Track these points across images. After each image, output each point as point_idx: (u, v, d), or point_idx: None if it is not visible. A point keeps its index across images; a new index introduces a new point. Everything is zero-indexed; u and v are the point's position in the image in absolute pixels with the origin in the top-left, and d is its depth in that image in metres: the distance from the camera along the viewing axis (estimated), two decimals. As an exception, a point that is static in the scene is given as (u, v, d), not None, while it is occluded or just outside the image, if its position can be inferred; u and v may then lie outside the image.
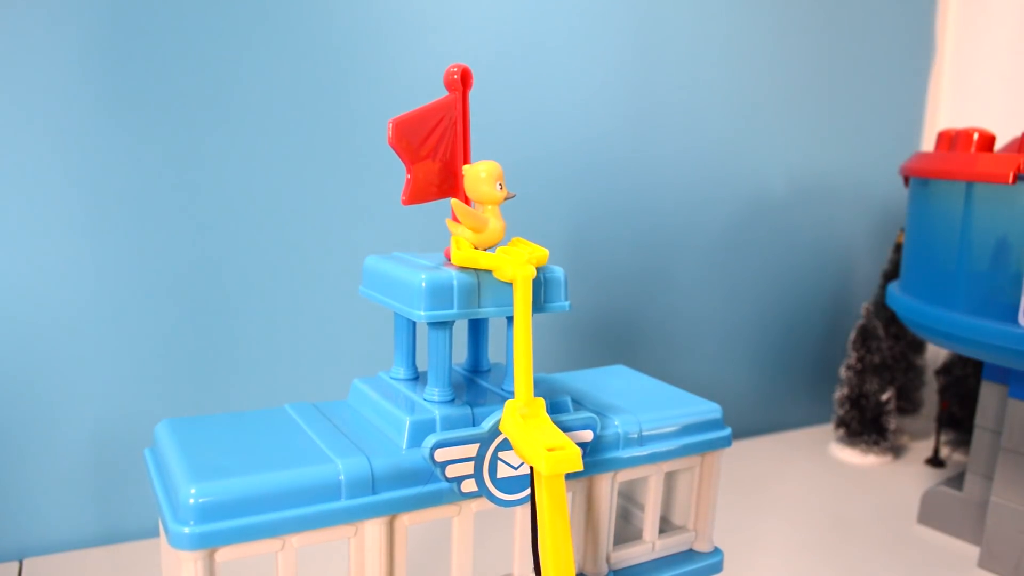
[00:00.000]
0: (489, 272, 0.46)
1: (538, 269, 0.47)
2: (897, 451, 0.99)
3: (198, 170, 0.71)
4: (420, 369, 0.52)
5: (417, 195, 0.46)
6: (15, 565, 0.66)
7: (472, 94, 0.47)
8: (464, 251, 0.45)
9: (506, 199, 0.46)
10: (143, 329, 0.71)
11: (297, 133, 0.74)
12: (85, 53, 0.65)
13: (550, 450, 0.41)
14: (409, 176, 0.45)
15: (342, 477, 0.41)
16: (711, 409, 0.54)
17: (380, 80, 0.76)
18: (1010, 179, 0.64)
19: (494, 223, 0.46)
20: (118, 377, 0.71)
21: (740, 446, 0.99)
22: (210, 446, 0.43)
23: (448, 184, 0.48)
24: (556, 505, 0.42)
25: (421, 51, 0.78)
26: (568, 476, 0.47)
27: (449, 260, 0.48)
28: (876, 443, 0.95)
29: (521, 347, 0.43)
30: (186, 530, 0.37)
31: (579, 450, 0.42)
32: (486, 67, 0.81)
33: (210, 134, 0.71)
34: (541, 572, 0.43)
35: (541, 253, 0.47)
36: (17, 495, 0.69)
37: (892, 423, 0.95)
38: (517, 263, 0.44)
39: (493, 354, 0.57)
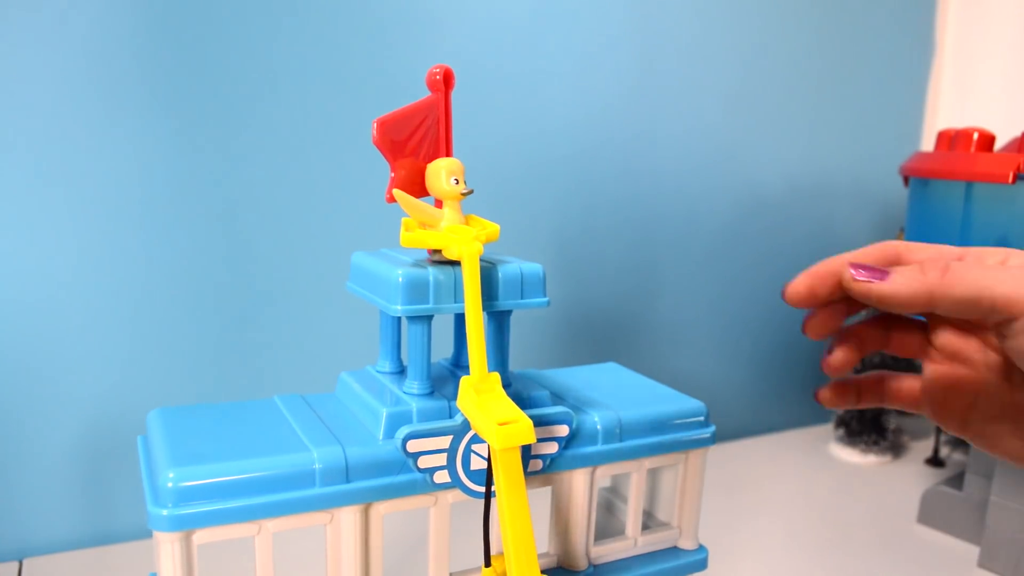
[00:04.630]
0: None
1: (516, 265, 0.47)
2: (897, 451, 0.99)
3: (198, 167, 0.71)
4: (405, 363, 0.52)
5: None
6: (15, 565, 0.66)
7: (464, 87, 0.48)
8: (413, 233, 0.45)
9: (464, 195, 0.46)
10: (142, 327, 0.71)
11: (298, 130, 0.74)
12: (93, 52, 0.65)
13: (501, 424, 0.41)
14: (392, 175, 0.46)
15: (317, 465, 0.42)
16: (695, 407, 0.54)
17: (378, 77, 0.76)
18: (1010, 179, 0.64)
19: (451, 217, 0.46)
20: (119, 376, 0.71)
21: (740, 445, 0.99)
22: (194, 433, 0.45)
23: None
24: (512, 479, 0.42)
25: (422, 43, 0.78)
26: (546, 470, 0.47)
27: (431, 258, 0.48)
28: (876, 443, 0.95)
29: (473, 324, 0.44)
30: (164, 512, 0.39)
31: (530, 422, 0.42)
32: (477, 64, 0.81)
33: (209, 132, 0.71)
34: (489, 550, 0.44)
35: (491, 229, 0.46)
36: (18, 495, 0.69)
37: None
38: (464, 240, 0.44)
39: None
